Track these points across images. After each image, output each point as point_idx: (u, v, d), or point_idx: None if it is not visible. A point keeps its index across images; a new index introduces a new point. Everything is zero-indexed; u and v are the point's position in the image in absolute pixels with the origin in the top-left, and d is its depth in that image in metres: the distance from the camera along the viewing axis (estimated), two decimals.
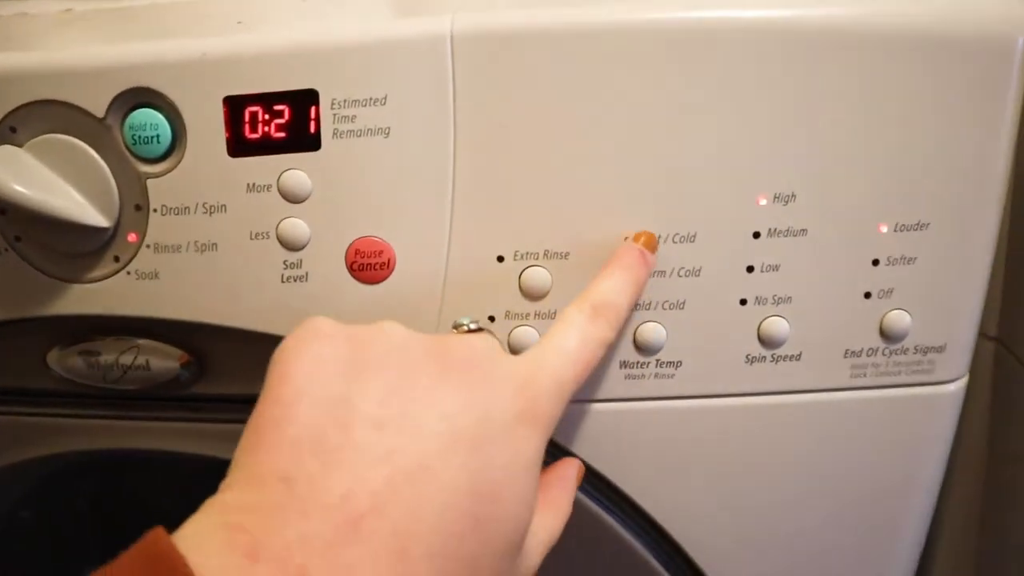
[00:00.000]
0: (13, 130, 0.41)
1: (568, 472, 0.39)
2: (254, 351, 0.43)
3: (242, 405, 0.46)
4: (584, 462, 0.43)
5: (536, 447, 0.31)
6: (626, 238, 0.40)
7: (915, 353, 0.42)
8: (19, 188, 0.38)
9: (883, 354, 0.42)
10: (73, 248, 0.42)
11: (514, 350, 0.42)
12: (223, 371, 0.46)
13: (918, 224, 0.40)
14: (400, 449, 0.27)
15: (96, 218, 0.40)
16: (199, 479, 0.59)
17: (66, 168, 0.41)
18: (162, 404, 0.48)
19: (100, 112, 0.40)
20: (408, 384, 0.29)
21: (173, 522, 0.26)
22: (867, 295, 0.41)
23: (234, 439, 0.47)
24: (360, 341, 0.31)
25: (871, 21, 0.37)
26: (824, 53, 0.38)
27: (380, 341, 0.31)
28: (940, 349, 0.42)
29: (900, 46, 0.38)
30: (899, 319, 0.41)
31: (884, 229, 0.40)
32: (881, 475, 0.45)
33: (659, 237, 0.40)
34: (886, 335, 0.42)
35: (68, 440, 0.48)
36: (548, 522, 0.34)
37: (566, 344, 0.34)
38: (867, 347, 0.42)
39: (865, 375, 0.42)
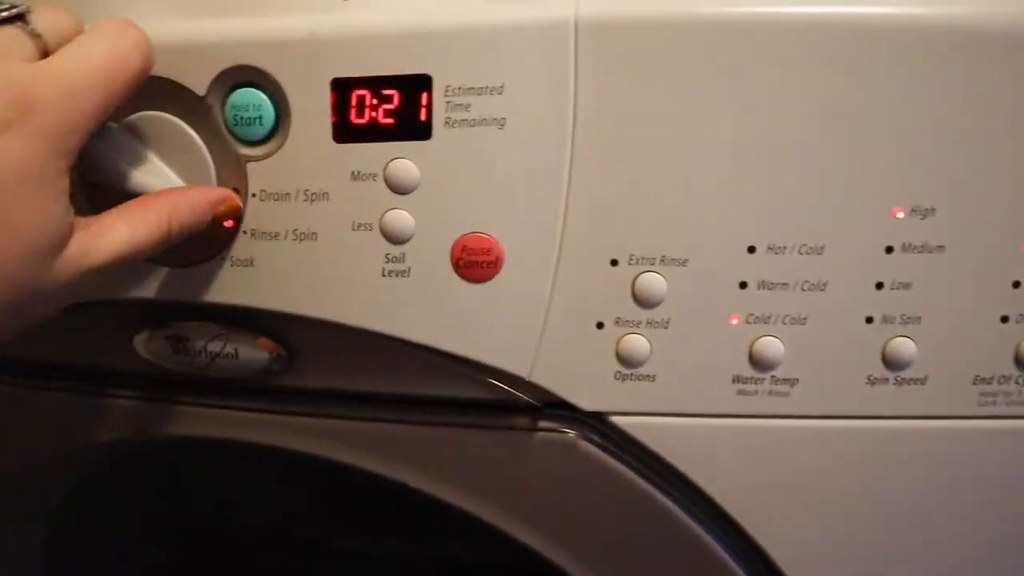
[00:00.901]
0: None
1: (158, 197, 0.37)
2: (346, 346, 0.41)
3: (328, 400, 0.45)
4: (686, 477, 0.41)
5: (29, 155, 0.30)
6: None
7: None
8: (121, 168, 0.37)
9: (1016, 382, 0.39)
10: None
11: (623, 359, 0.40)
12: (312, 364, 0.44)
13: None
14: None
15: None
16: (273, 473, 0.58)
17: (162, 147, 0.39)
18: (246, 393, 0.46)
19: (201, 90, 0.38)
20: None
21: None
22: (1004, 319, 0.39)
23: (319, 434, 0.46)
24: None
25: None
26: (980, 54, 0.35)
27: None
28: None
29: None
30: None
31: None
32: (999, 507, 0.42)
33: (784, 248, 0.37)
34: (1022, 362, 0.39)
35: (149, 423, 0.46)
36: (125, 221, 0.34)
37: (86, 49, 0.32)
38: (999, 374, 0.39)
39: (995, 403, 0.40)
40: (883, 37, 0.35)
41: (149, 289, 0.42)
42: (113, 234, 0.34)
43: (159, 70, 0.38)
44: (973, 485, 0.41)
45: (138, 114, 0.39)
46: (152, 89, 0.38)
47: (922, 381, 0.39)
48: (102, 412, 0.47)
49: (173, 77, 0.38)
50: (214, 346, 0.43)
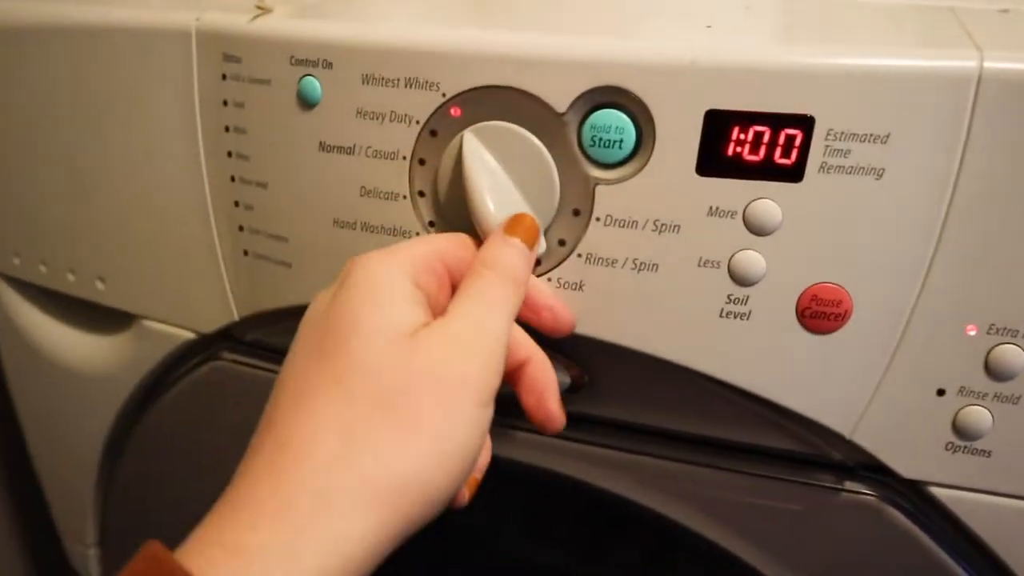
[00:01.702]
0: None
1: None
2: (655, 380, 0.40)
3: (622, 431, 0.44)
4: (1002, 562, 0.39)
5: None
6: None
7: None
8: (485, 180, 0.36)
9: None
10: None
11: (960, 430, 0.38)
12: (609, 393, 0.43)
13: None
14: None
15: None
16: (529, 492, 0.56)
17: (508, 159, 0.38)
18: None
19: (562, 107, 0.37)
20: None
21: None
22: None
23: (604, 464, 0.45)
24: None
25: None
26: None
27: None
28: None
29: None
30: None
31: None
32: None
33: None
34: None
35: None
36: (470, 288, 0.35)
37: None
38: None
39: None
40: None
41: None
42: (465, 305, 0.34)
43: (521, 83, 0.36)
44: None
45: (487, 123, 0.37)
46: (508, 100, 0.37)
47: None
48: None
49: (534, 91, 0.37)
50: None
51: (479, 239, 0.37)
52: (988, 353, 0.37)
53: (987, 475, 0.39)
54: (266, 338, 0.49)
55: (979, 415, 0.38)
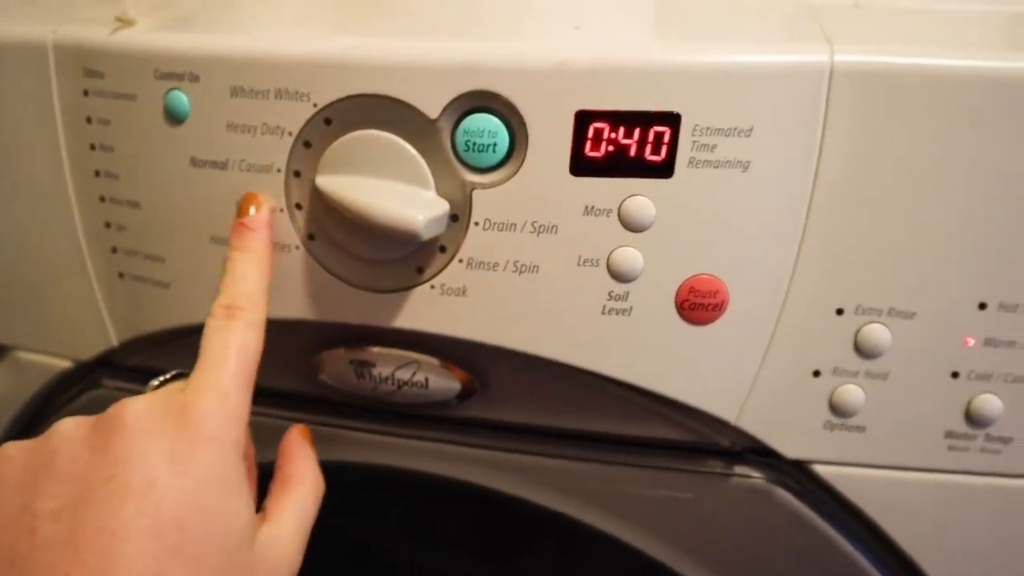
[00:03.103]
0: (328, 122, 0.38)
1: (295, 443, 0.39)
2: (545, 380, 0.40)
3: (513, 433, 0.44)
4: (883, 532, 0.40)
5: (219, 463, 0.31)
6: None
7: None
8: (352, 193, 0.35)
9: None
10: (371, 253, 0.39)
11: (836, 408, 0.39)
12: (502, 396, 0.43)
13: None
14: (80, 528, 0.28)
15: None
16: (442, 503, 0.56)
17: (382, 168, 0.37)
18: (418, 422, 0.45)
19: (433, 113, 0.37)
20: (80, 472, 0.30)
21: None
22: None
23: (498, 467, 0.45)
24: (32, 451, 0.31)
25: None
26: None
27: (50, 444, 0.31)
28: None
29: None
30: None
31: None
32: None
33: (1017, 306, 0.37)
34: None
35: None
36: (291, 501, 0.36)
37: (212, 356, 0.33)
38: None
39: None
40: None
41: (345, 313, 0.40)
42: (287, 515, 0.35)
43: (392, 90, 0.36)
44: None
45: (360, 132, 0.37)
46: (380, 108, 0.37)
47: None
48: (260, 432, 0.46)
49: (405, 99, 0.37)
50: (403, 374, 0.42)
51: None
52: (857, 333, 0.38)
53: (863, 449, 0.40)
54: (148, 362, 0.47)
55: (853, 393, 0.39)
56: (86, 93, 0.42)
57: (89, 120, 0.42)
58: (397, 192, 0.37)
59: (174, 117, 0.39)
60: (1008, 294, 0.37)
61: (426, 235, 0.36)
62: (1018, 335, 0.38)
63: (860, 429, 0.40)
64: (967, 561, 0.42)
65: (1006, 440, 0.39)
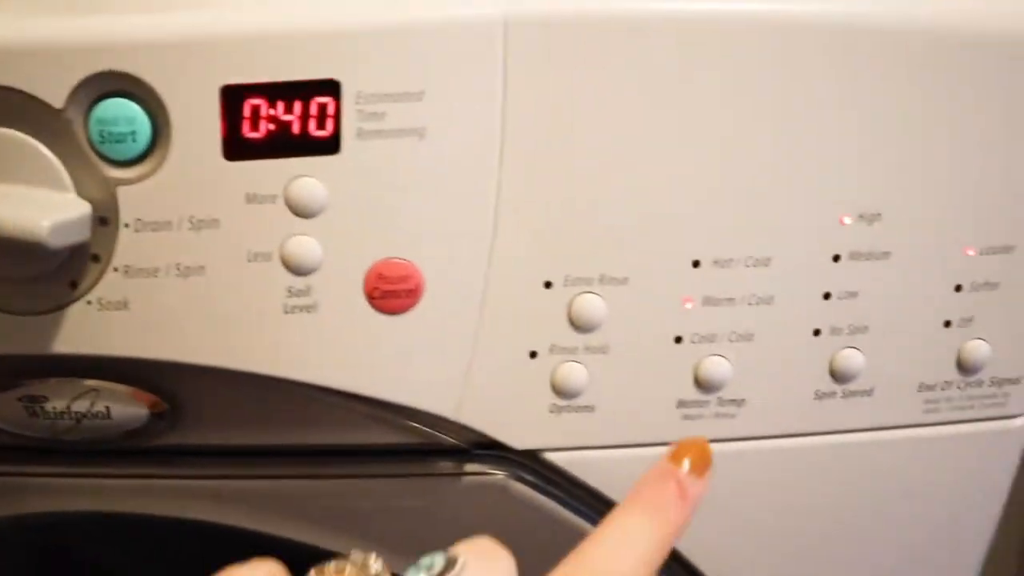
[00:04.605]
0: None
1: None
2: (242, 394, 0.36)
3: (221, 458, 0.39)
4: None
5: None
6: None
7: (990, 386, 0.39)
8: None
9: (958, 387, 0.39)
10: (15, 271, 0.34)
11: (559, 389, 0.36)
12: (200, 418, 0.38)
13: (1004, 247, 0.36)
14: None
15: None
16: (164, 543, 0.50)
17: (12, 173, 0.32)
18: (117, 457, 0.39)
19: (58, 102, 0.32)
20: None
21: None
22: (947, 324, 0.38)
23: (210, 497, 0.40)
24: None
25: (990, 23, 0.33)
26: (923, 56, 0.33)
27: None
28: (1016, 381, 0.39)
29: (1015, 52, 0.33)
30: (977, 349, 0.38)
31: (971, 252, 0.36)
32: (943, 512, 0.41)
33: (730, 261, 0.35)
34: (963, 367, 0.38)
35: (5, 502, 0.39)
36: None
37: None
38: (942, 380, 0.38)
39: (938, 410, 0.39)
40: (827, 39, 0.33)
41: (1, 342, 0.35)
42: None
43: (5, 79, 0.31)
44: (912, 487, 0.40)
45: None
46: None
47: (869, 392, 0.38)
48: None
49: (23, 87, 0.32)
50: (80, 405, 0.37)
51: None
52: (570, 305, 0.36)
53: (595, 430, 0.38)
54: None
55: (574, 371, 0.36)
56: None
57: None
58: (27, 198, 0.32)
59: None
60: (721, 249, 0.35)
61: (55, 242, 0.31)
62: (736, 291, 0.36)
63: (589, 409, 0.37)
64: (721, 534, 0.39)
65: (739, 402, 0.37)
